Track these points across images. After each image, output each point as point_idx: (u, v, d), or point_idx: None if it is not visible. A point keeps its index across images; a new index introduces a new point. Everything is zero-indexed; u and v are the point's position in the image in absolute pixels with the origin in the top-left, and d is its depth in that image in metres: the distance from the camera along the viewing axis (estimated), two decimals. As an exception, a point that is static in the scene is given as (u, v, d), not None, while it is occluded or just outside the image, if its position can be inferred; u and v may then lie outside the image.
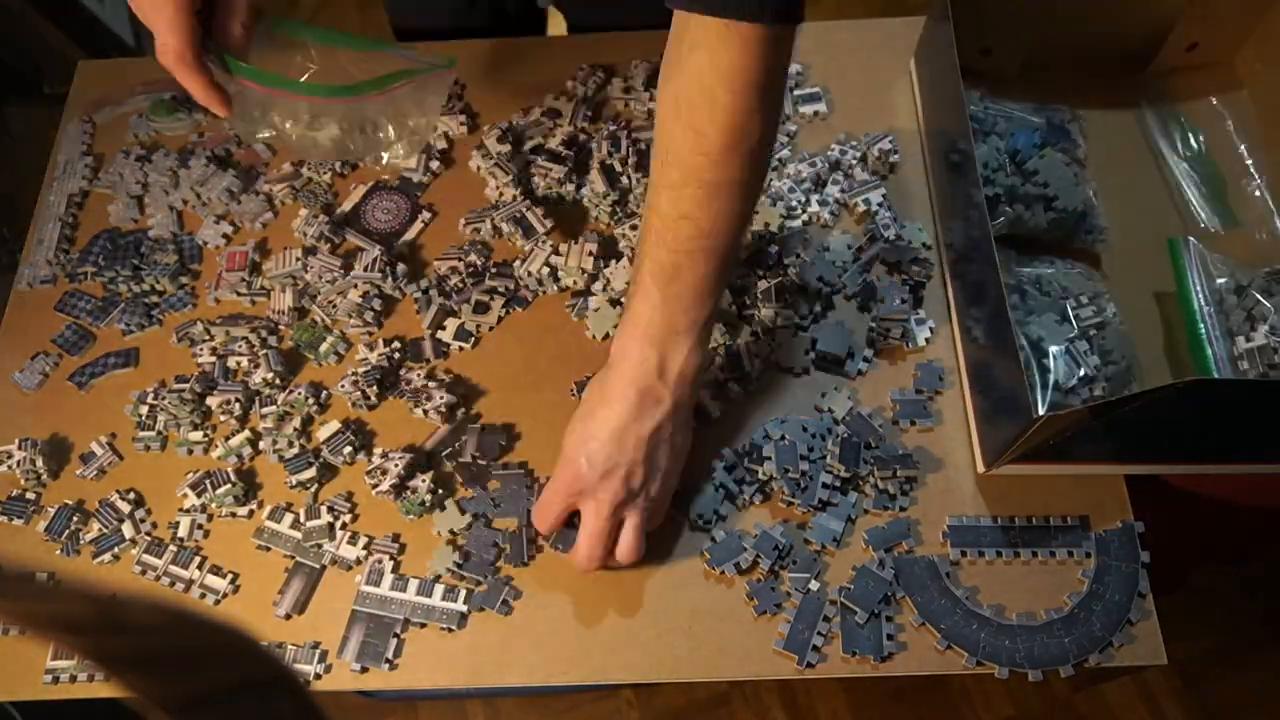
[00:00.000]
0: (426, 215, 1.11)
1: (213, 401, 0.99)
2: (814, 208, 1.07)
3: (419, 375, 1.00)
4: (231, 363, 1.02)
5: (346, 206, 1.12)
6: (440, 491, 0.94)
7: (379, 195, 1.12)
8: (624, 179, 1.08)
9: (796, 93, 1.16)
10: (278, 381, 1.00)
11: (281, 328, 1.04)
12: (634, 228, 1.06)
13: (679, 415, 0.86)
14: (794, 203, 1.06)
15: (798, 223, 1.06)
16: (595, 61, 1.19)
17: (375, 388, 0.98)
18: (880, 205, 1.06)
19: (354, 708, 1.84)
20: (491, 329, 1.03)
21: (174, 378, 1.01)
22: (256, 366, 1.00)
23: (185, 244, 1.10)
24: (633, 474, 0.84)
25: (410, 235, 1.10)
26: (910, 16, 1.15)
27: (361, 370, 0.99)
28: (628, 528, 0.86)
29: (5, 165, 1.11)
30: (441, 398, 0.96)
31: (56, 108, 1.23)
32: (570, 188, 1.10)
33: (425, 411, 0.97)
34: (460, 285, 1.05)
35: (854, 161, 1.10)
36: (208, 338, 1.04)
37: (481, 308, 1.03)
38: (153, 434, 0.99)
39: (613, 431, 0.83)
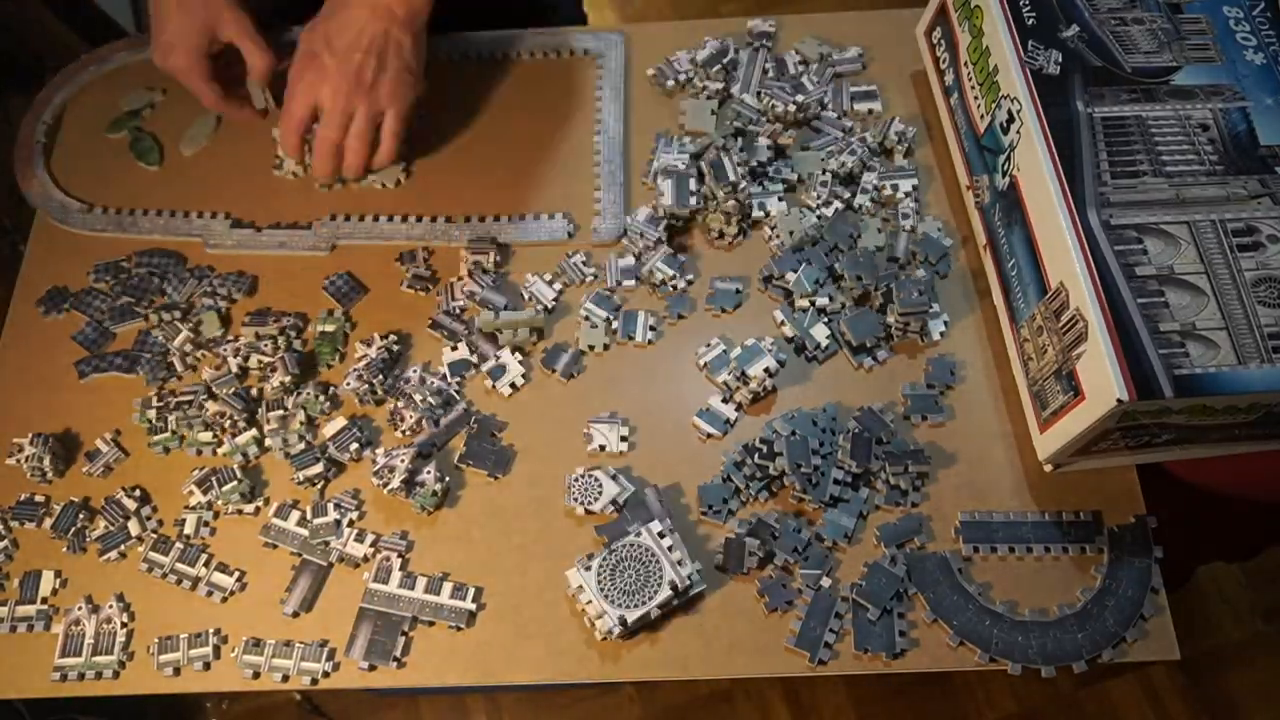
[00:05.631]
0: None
1: (211, 407, 0.98)
2: (859, 198, 1.07)
3: (416, 371, 1.00)
4: (253, 361, 1.01)
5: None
6: (448, 480, 0.94)
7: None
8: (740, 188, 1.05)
9: (852, 90, 1.15)
10: (292, 385, 0.99)
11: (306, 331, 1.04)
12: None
13: (412, 29, 1.01)
14: (821, 197, 1.06)
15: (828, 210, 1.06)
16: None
17: (380, 377, 0.98)
18: (907, 195, 1.06)
19: (355, 701, 1.84)
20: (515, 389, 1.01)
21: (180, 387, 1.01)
22: (274, 371, 0.99)
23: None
24: (364, 66, 0.99)
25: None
26: (916, 8, 1.15)
27: (363, 364, 0.98)
28: (385, 133, 1.04)
29: (7, 155, 1.10)
30: (435, 399, 0.97)
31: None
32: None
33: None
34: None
35: (873, 147, 1.10)
36: (230, 339, 1.03)
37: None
38: (168, 435, 0.98)
39: (351, 31, 0.98)
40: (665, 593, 0.84)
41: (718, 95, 1.14)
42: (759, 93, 1.13)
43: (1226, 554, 1.61)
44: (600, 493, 0.91)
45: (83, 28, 1.86)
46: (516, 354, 1.00)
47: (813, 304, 1.00)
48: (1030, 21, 0.95)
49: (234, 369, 1.00)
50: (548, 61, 1.22)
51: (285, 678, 0.87)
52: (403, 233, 1.09)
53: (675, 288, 1.03)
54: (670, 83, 1.16)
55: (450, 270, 1.07)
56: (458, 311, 1.03)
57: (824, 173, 1.07)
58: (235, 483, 0.94)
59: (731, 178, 1.03)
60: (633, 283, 1.04)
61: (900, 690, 1.81)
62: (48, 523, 0.95)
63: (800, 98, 1.11)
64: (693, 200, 1.03)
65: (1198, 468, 1.03)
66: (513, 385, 0.99)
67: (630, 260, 1.05)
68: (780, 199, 1.07)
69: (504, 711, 1.83)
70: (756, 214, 1.06)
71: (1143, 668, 1.78)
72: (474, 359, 1.01)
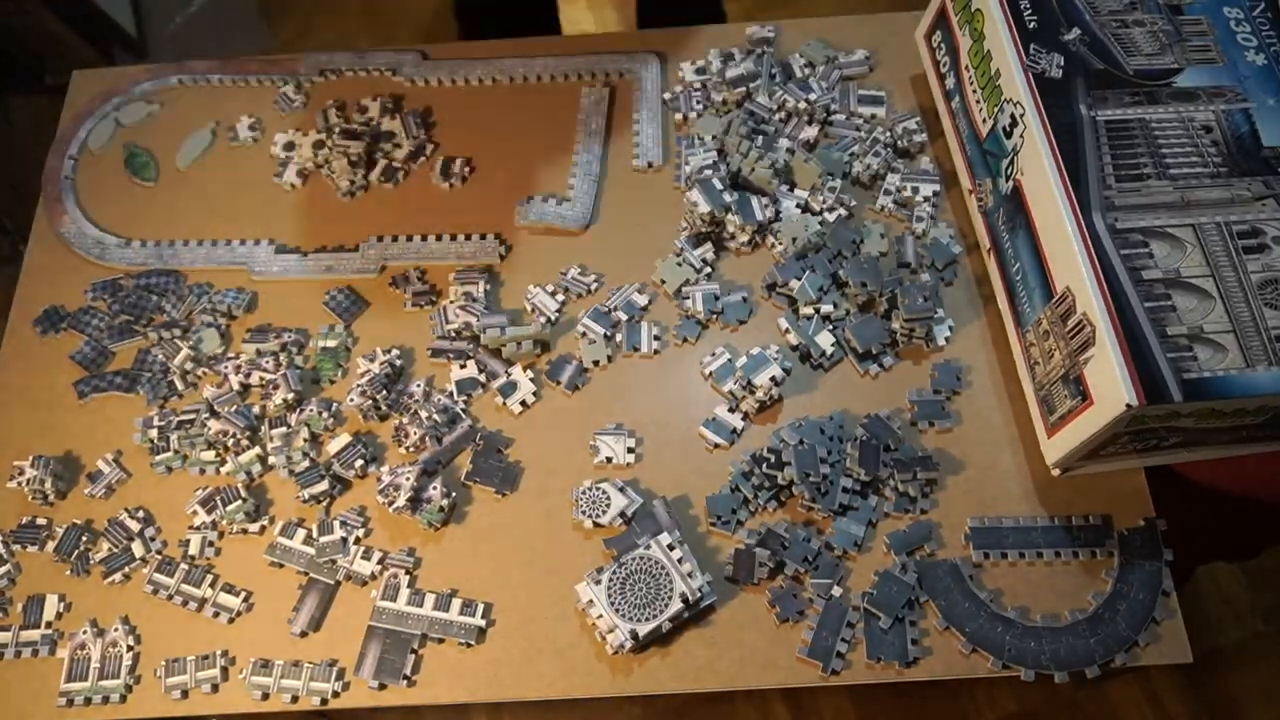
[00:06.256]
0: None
1: (214, 425, 0.97)
2: (881, 199, 1.07)
3: (420, 386, 0.99)
4: (255, 378, 1.00)
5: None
6: (454, 495, 0.93)
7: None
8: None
9: (860, 92, 1.14)
10: (294, 402, 0.99)
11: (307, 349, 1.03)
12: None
13: None
14: (826, 202, 1.06)
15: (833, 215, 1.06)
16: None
17: (384, 392, 0.97)
18: (926, 200, 1.06)
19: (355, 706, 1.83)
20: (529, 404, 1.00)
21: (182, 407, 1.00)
22: (275, 388, 0.99)
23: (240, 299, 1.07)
24: None
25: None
26: (914, 12, 1.14)
27: (366, 379, 0.98)
28: None
29: (7, 155, 1.09)
30: (440, 416, 0.96)
31: (59, 98, 1.21)
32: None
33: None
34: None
35: (897, 147, 1.10)
36: (231, 356, 1.02)
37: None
38: (171, 454, 0.97)
39: None
40: (676, 605, 0.84)
41: (733, 109, 1.14)
42: (771, 92, 1.13)
43: (1226, 554, 1.61)
44: (608, 505, 0.91)
45: (83, 28, 1.85)
46: (528, 371, 1.00)
47: (817, 311, 0.99)
48: (1031, 25, 0.94)
49: (235, 386, 0.99)
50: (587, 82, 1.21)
51: (294, 698, 0.87)
52: (452, 252, 1.08)
53: (699, 321, 1.03)
54: (683, 113, 1.16)
55: (446, 283, 1.07)
56: (453, 336, 1.03)
57: (832, 177, 1.07)
58: (239, 502, 0.93)
59: (759, 218, 1.03)
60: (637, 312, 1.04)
61: (900, 689, 1.80)
62: (50, 546, 0.94)
63: (812, 96, 1.12)
64: (724, 197, 1.03)
65: (1200, 465, 1.03)
66: (523, 403, 0.99)
67: (642, 297, 1.04)
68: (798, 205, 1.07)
69: (504, 711, 1.81)
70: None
71: (1142, 666, 1.78)
72: (482, 377, 1.00)
